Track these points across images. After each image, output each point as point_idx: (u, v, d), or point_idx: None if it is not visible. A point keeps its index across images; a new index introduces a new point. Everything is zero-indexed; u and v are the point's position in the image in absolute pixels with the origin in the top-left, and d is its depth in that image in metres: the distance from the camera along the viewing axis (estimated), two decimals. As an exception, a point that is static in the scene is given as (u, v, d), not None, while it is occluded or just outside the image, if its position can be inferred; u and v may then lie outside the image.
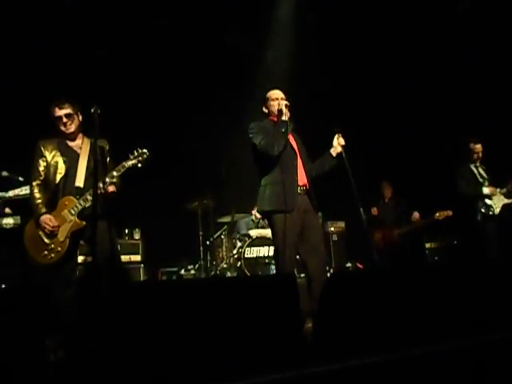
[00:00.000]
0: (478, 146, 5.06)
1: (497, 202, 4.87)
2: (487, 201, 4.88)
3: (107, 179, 3.01)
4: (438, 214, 5.42)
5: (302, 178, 3.24)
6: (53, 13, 5.28)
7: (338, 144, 3.37)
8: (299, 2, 6.19)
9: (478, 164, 5.09)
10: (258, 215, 6.41)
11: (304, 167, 3.30)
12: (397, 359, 1.85)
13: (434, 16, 5.86)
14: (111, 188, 3.09)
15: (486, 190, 4.88)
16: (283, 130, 3.14)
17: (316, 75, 6.30)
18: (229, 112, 6.38)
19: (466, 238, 5.70)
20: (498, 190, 4.90)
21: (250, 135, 3.25)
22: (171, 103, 6.34)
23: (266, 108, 3.40)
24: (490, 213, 4.84)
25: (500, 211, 4.83)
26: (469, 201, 4.97)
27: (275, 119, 3.32)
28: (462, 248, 5.88)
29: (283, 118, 3.20)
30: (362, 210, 3.33)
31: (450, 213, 5.38)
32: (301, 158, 3.32)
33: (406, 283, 2.41)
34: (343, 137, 3.38)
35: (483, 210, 4.84)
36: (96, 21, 5.45)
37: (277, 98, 3.33)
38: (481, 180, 4.98)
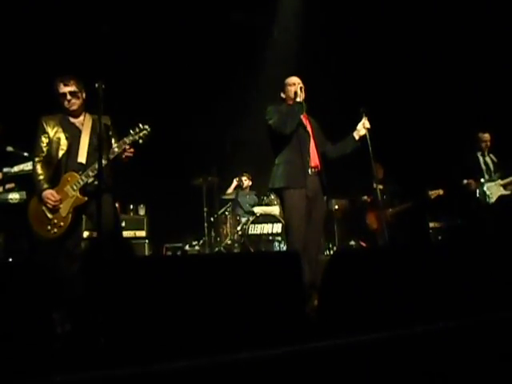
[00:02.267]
0: (486, 136, 5.06)
1: (494, 192, 4.85)
2: (485, 189, 4.87)
3: (110, 155, 3.01)
4: (430, 193, 5.44)
5: (313, 160, 3.36)
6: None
7: (362, 127, 3.46)
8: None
9: (485, 153, 5.06)
10: (247, 184, 6.71)
11: (317, 149, 3.40)
12: (399, 336, 1.86)
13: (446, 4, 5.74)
14: (129, 152, 3.08)
15: (486, 184, 4.85)
16: (296, 110, 3.28)
17: (323, 51, 6.21)
18: (235, 90, 6.33)
19: (467, 220, 5.69)
20: (499, 181, 4.86)
21: (267, 117, 3.36)
22: (177, 80, 6.28)
23: (284, 93, 3.51)
24: (486, 200, 4.85)
25: (496, 201, 4.82)
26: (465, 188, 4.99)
27: (291, 103, 3.43)
28: (465, 228, 5.88)
29: (297, 99, 3.32)
30: (378, 190, 3.55)
31: (441, 192, 5.42)
32: (314, 140, 3.42)
33: (408, 262, 2.42)
34: (369, 119, 3.48)
35: (478, 197, 4.85)
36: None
37: (294, 84, 3.42)
38: (484, 169, 4.96)
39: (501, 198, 4.81)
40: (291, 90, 3.43)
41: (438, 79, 6.29)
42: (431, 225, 6.29)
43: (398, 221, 5.88)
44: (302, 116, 3.38)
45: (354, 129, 3.50)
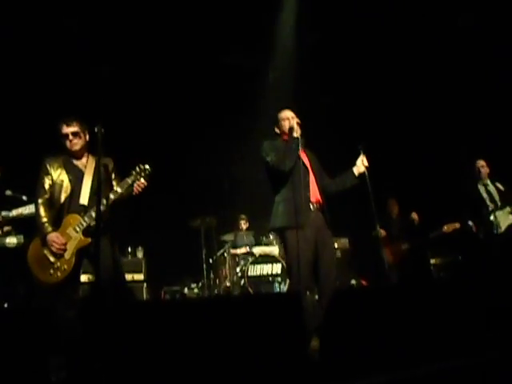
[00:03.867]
0: (480, 162, 4.95)
1: (502, 221, 4.69)
2: (492, 219, 4.73)
3: (111, 196, 3.02)
4: (446, 227, 5.32)
5: (314, 195, 3.30)
6: (57, 32, 5.37)
7: (361, 164, 3.43)
8: (300, 21, 6.27)
9: (487, 182, 4.94)
10: (243, 226, 6.66)
11: (317, 183, 3.35)
12: (403, 378, 1.82)
13: (436, 30, 5.91)
14: (142, 184, 3.09)
15: (494, 213, 4.73)
16: (294, 146, 3.22)
17: (318, 93, 6.36)
18: (232, 131, 6.43)
19: (470, 255, 5.61)
20: (507, 208, 4.70)
21: (263, 153, 3.33)
22: (175, 121, 6.40)
23: (278, 128, 3.48)
24: (494, 231, 4.69)
25: (505, 230, 4.65)
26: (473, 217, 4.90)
27: (286, 138, 3.39)
28: (467, 264, 5.82)
29: (294, 134, 3.27)
30: (378, 227, 3.43)
31: (457, 225, 5.23)
32: (314, 174, 3.37)
33: (411, 300, 2.39)
34: (367, 156, 3.45)
35: (486, 227, 4.75)
36: (100, 39, 5.54)
37: (287, 118, 3.41)
38: (486, 198, 4.84)
39: (510, 227, 4.66)
40: (285, 124, 3.39)
41: (438, 109, 6.39)
42: (432, 261, 6.24)
43: (411, 256, 5.82)
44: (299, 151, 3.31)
45: (354, 164, 3.47)
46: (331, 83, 6.43)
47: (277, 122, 3.49)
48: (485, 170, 4.95)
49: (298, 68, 6.55)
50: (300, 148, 3.28)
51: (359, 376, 1.75)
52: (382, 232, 5.94)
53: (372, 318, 2.16)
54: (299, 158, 3.31)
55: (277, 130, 3.49)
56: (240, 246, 6.51)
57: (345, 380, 1.72)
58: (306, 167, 3.36)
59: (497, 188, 4.91)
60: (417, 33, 5.96)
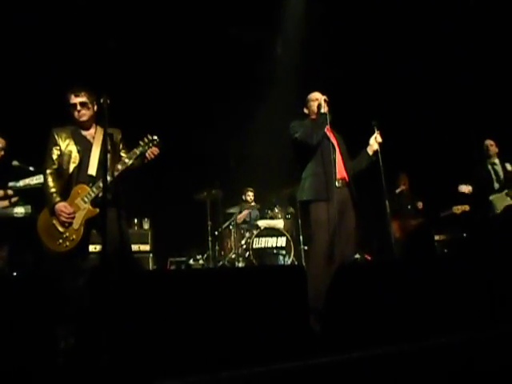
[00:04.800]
0: (488, 142, 4.94)
1: (500, 203, 4.73)
2: (490, 201, 4.78)
3: (119, 166, 3.03)
4: (456, 208, 5.31)
5: (340, 172, 3.40)
6: (65, 5, 5.29)
7: (374, 141, 3.52)
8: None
9: (495, 161, 4.94)
10: (250, 198, 6.71)
11: (343, 161, 3.45)
12: (403, 351, 1.85)
13: (443, 8, 5.77)
14: (155, 151, 3.14)
15: (492, 196, 4.76)
16: (321, 121, 3.35)
17: (326, 67, 6.26)
18: (239, 104, 6.37)
19: (473, 233, 5.62)
20: (505, 191, 4.73)
21: (291, 132, 3.44)
22: (181, 94, 6.35)
23: (307, 109, 3.61)
24: (491, 213, 4.74)
25: (502, 212, 4.68)
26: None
27: (314, 118, 3.51)
28: (470, 241, 5.83)
29: (322, 110, 3.39)
30: (387, 202, 3.52)
31: (467, 207, 5.21)
32: (340, 152, 3.47)
33: (414, 275, 2.40)
34: (380, 132, 3.54)
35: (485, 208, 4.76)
36: (108, 13, 5.46)
37: (316, 99, 3.51)
38: (494, 178, 4.86)
39: (507, 208, 4.67)
40: (314, 104, 3.51)
41: (452, 88, 6.29)
42: (436, 237, 6.25)
43: (418, 232, 5.84)
44: (326, 128, 3.43)
45: (367, 144, 3.56)
46: (341, 56, 6.32)
47: (306, 103, 3.61)
48: (493, 149, 4.91)
49: (306, 41, 6.43)
50: (327, 123, 3.37)
51: (361, 348, 1.78)
52: (402, 190, 5.90)
53: (375, 292, 2.19)
54: (326, 135, 3.44)
55: (305, 111, 3.61)
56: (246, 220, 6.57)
57: (347, 351, 1.76)
58: (333, 144, 3.45)
59: (504, 168, 4.88)
60: (430, 6, 5.80)
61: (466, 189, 5.10)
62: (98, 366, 1.86)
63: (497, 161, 4.94)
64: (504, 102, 5.87)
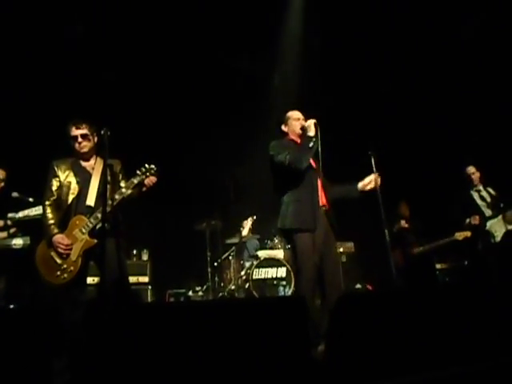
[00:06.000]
0: (470, 169, 4.90)
1: (498, 229, 4.65)
2: (488, 228, 4.69)
3: (116, 196, 3.04)
4: (458, 234, 5.24)
5: (322, 198, 3.28)
6: (65, 37, 5.42)
7: (371, 183, 3.40)
8: (305, 26, 6.29)
9: (480, 188, 4.89)
10: (246, 227, 6.61)
11: (323, 187, 3.32)
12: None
13: (437, 39, 5.91)
14: (153, 179, 3.16)
15: (488, 222, 4.68)
16: (310, 145, 3.19)
17: (323, 98, 6.36)
18: (237, 135, 6.44)
19: (473, 262, 5.55)
20: (500, 216, 4.66)
21: (272, 153, 3.30)
22: (181, 124, 6.42)
23: (286, 127, 3.48)
24: (492, 240, 4.65)
25: (502, 239, 4.60)
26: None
27: (293, 138, 3.42)
28: (472, 269, 5.77)
29: (310, 133, 3.24)
30: (386, 231, 3.42)
31: (468, 233, 5.11)
32: (320, 178, 3.34)
33: (417, 305, 2.37)
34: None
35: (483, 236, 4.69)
36: (108, 44, 5.58)
37: (298, 119, 3.43)
38: (481, 204, 4.80)
39: (507, 234, 4.60)
40: (296, 124, 3.41)
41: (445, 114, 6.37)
42: (438, 266, 6.20)
43: (421, 261, 5.79)
44: None
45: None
46: (337, 86, 6.42)
47: (285, 120, 3.49)
48: (475, 176, 4.87)
49: (303, 71, 6.55)
50: (316, 147, 3.23)
51: (365, 381, 1.73)
52: (403, 222, 5.85)
53: (377, 322, 2.15)
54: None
55: (284, 129, 3.49)
56: (246, 250, 6.54)
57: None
58: (314, 170, 3.35)
59: (489, 193, 4.83)
60: (422, 37, 5.95)
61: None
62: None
63: (481, 187, 4.90)
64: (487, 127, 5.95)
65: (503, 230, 4.61)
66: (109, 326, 1.96)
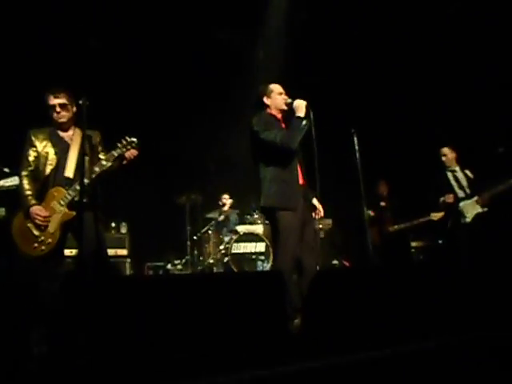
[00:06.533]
0: (444, 150, 4.92)
1: (470, 211, 4.70)
2: (460, 208, 4.74)
3: (96, 168, 2.99)
4: (433, 215, 5.33)
5: (300, 178, 3.29)
6: (45, 4, 5.21)
7: (319, 213, 3.44)
8: (291, 0, 6.18)
9: (456, 169, 4.91)
10: (227, 202, 6.66)
11: (301, 168, 3.32)
12: (382, 356, 1.86)
13: (426, 15, 5.88)
14: (134, 152, 3.12)
15: (461, 203, 4.75)
16: (302, 126, 3.16)
17: (307, 73, 6.31)
18: (220, 108, 6.37)
19: (447, 241, 5.67)
20: (474, 198, 4.69)
21: (256, 129, 3.21)
22: (164, 98, 6.30)
23: (269, 99, 3.38)
24: (462, 221, 4.72)
25: (472, 220, 4.67)
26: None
27: (274, 112, 3.35)
28: (445, 249, 5.92)
29: (300, 114, 3.19)
30: (365, 209, 3.52)
31: (443, 214, 5.26)
32: (298, 157, 3.33)
33: (391, 281, 2.43)
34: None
35: (454, 216, 4.77)
36: (89, 11, 5.38)
37: (281, 93, 3.37)
38: (455, 185, 4.84)
39: (478, 216, 4.66)
40: (279, 99, 3.34)
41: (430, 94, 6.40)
42: (413, 244, 6.35)
43: (397, 238, 5.91)
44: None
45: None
46: (322, 63, 6.37)
47: (268, 93, 3.39)
48: (448, 158, 4.91)
49: (288, 46, 6.47)
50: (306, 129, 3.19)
51: (339, 353, 1.79)
52: (371, 213, 6.01)
53: (353, 297, 2.20)
54: None
55: (266, 101, 3.38)
56: (225, 225, 6.56)
57: (325, 356, 1.76)
58: (296, 150, 3.31)
59: (466, 175, 4.90)
60: (409, 15, 5.92)
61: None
62: (72, 371, 1.82)
63: (457, 168, 4.91)
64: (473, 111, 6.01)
65: (475, 212, 4.68)
66: (86, 297, 1.96)
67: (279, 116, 3.37)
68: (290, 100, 3.30)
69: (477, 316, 2.40)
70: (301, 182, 3.27)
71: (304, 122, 3.16)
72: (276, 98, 3.36)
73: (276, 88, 3.39)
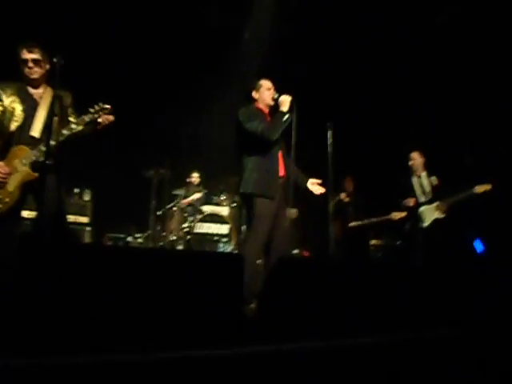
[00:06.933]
0: (413, 155, 5.04)
1: (428, 216, 4.83)
2: (419, 212, 4.87)
3: (64, 131, 2.91)
4: (394, 214, 5.46)
5: (281, 170, 3.46)
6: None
7: (319, 190, 3.61)
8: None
9: (422, 174, 5.02)
10: (195, 180, 6.66)
11: (284, 160, 3.49)
12: (329, 347, 1.91)
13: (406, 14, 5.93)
14: (109, 117, 3.05)
15: (421, 207, 4.88)
16: (284, 120, 3.33)
17: (292, 58, 6.28)
18: (198, 84, 6.27)
19: (405, 242, 5.83)
20: (434, 204, 4.81)
21: (241, 119, 3.37)
22: (141, 68, 6.14)
23: (257, 94, 3.55)
24: (420, 225, 4.85)
25: (430, 225, 4.81)
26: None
27: (261, 107, 3.52)
28: (402, 249, 6.09)
29: (284, 108, 3.37)
30: (331, 202, 3.67)
31: (404, 214, 5.29)
32: (282, 150, 3.52)
33: (347, 275, 2.50)
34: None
35: (413, 220, 4.91)
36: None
37: (269, 88, 3.53)
38: (419, 191, 4.96)
39: (435, 222, 4.80)
40: (267, 94, 3.50)
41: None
42: (373, 242, 6.50)
43: (356, 234, 6.03)
44: None
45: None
46: (306, 51, 6.34)
47: (257, 87, 3.56)
48: (416, 163, 5.04)
49: (275, 27, 6.40)
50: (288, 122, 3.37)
51: (291, 339, 1.82)
52: (343, 195, 6.10)
53: (309, 287, 2.25)
54: None
55: (255, 95, 3.56)
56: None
57: (277, 342, 1.80)
58: (279, 142, 3.50)
59: (430, 181, 5.02)
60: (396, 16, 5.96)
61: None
62: (25, 337, 1.78)
63: (423, 174, 5.03)
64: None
65: (433, 218, 4.83)
66: (42, 261, 1.92)
67: (266, 110, 3.54)
68: (277, 95, 3.47)
69: (425, 313, 2.50)
70: (282, 173, 3.44)
71: (286, 117, 3.35)
72: (264, 92, 3.53)
73: (265, 83, 3.56)
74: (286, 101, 3.38)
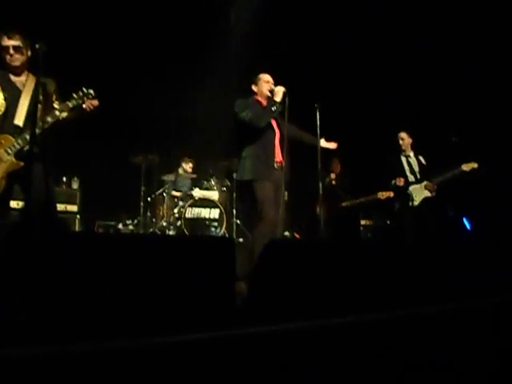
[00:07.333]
0: (402, 134, 5.11)
1: (418, 195, 4.90)
2: (409, 191, 4.94)
3: (49, 118, 2.87)
4: (380, 194, 5.53)
5: (278, 155, 3.61)
6: None
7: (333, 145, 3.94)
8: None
9: (410, 154, 5.10)
10: (188, 167, 6.62)
11: (281, 146, 3.64)
12: (322, 327, 1.94)
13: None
14: (94, 103, 3.03)
15: (411, 186, 4.95)
16: (273, 109, 3.51)
17: (277, 41, 6.23)
18: (187, 68, 6.20)
19: (394, 222, 5.90)
20: (424, 183, 4.90)
21: (236, 110, 3.54)
22: (128, 52, 6.03)
23: (256, 87, 3.73)
24: (410, 203, 4.92)
25: (419, 204, 4.88)
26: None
27: (260, 99, 3.68)
28: (392, 229, 6.16)
29: (277, 98, 3.53)
30: (320, 184, 3.77)
31: (391, 194, 5.41)
32: (279, 137, 3.67)
33: (339, 256, 2.52)
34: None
35: (403, 198, 4.97)
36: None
37: (268, 81, 3.70)
38: (407, 169, 5.03)
39: (425, 200, 4.89)
40: (265, 86, 3.66)
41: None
42: (363, 222, 6.56)
43: (344, 215, 6.08)
44: None
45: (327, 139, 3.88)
46: (293, 33, 6.29)
47: (256, 80, 3.73)
48: (405, 142, 5.12)
49: (261, 10, 6.32)
50: (278, 111, 3.53)
51: (283, 320, 1.84)
52: (332, 176, 6.16)
53: (301, 268, 2.26)
54: (270, 122, 3.61)
55: (254, 88, 3.73)
56: (179, 190, 6.48)
57: (268, 323, 1.81)
58: (274, 131, 3.66)
59: (419, 161, 5.11)
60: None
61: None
62: (13, 326, 1.78)
63: (411, 154, 5.12)
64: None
65: (422, 196, 4.91)
66: (31, 251, 1.90)
67: (264, 103, 3.68)
68: (273, 87, 3.63)
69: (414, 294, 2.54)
70: (278, 158, 3.60)
71: (276, 106, 3.52)
72: (262, 85, 3.70)
73: (264, 77, 3.75)
74: (279, 91, 3.53)
